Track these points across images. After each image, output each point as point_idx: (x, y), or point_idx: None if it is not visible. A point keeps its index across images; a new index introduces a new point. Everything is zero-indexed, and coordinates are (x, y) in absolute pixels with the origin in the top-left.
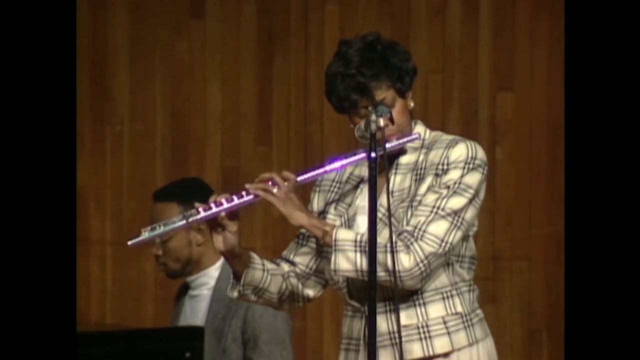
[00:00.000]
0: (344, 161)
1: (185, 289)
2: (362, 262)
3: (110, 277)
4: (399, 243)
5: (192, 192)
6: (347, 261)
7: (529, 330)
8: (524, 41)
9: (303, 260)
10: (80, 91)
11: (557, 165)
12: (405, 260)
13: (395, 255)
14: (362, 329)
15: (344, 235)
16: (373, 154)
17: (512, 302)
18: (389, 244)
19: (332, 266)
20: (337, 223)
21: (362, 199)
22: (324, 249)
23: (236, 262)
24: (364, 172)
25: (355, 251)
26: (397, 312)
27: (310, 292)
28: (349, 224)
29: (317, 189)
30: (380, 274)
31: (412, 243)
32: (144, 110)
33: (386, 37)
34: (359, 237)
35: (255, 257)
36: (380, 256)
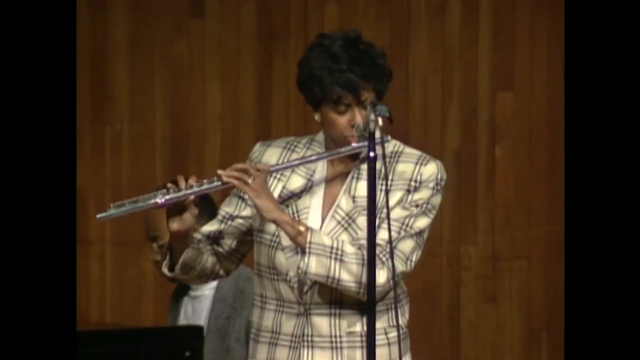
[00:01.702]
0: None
1: (185, 288)
2: (335, 269)
3: (110, 277)
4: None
5: None
6: (321, 266)
7: (528, 330)
8: (524, 41)
9: (227, 240)
10: (80, 91)
11: (557, 165)
12: (380, 276)
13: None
14: (304, 327)
15: (319, 239)
16: (372, 153)
17: (511, 301)
18: (371, 254)
19: (303, 267)
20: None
21: (315, 196)
22: (263, 238)
23: (181, 241)
24: (314, 164)
25: (331, 258)
26: (396, 317)
27: (224, 271)
28: (298, 216)
29: None
30: (351, 284)
31: (387, 259)
32: (143, 110)
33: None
34: (335, 244)
35: (194, 238)
36: (354, 267)
